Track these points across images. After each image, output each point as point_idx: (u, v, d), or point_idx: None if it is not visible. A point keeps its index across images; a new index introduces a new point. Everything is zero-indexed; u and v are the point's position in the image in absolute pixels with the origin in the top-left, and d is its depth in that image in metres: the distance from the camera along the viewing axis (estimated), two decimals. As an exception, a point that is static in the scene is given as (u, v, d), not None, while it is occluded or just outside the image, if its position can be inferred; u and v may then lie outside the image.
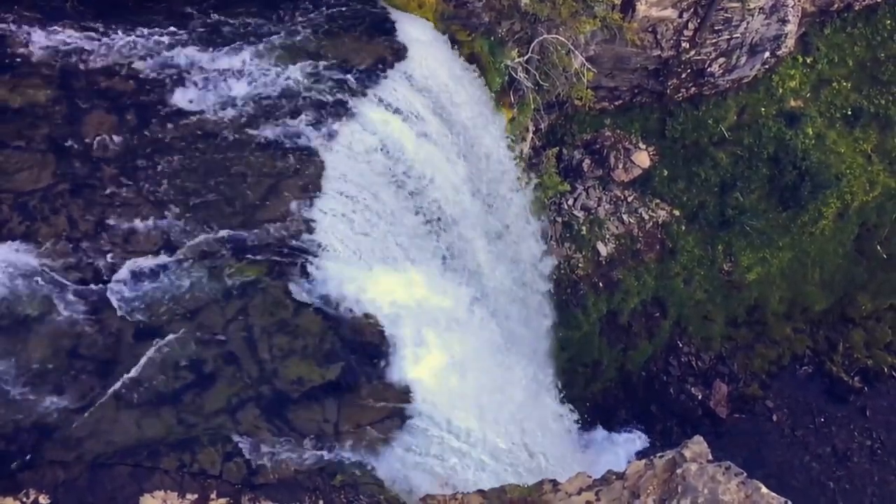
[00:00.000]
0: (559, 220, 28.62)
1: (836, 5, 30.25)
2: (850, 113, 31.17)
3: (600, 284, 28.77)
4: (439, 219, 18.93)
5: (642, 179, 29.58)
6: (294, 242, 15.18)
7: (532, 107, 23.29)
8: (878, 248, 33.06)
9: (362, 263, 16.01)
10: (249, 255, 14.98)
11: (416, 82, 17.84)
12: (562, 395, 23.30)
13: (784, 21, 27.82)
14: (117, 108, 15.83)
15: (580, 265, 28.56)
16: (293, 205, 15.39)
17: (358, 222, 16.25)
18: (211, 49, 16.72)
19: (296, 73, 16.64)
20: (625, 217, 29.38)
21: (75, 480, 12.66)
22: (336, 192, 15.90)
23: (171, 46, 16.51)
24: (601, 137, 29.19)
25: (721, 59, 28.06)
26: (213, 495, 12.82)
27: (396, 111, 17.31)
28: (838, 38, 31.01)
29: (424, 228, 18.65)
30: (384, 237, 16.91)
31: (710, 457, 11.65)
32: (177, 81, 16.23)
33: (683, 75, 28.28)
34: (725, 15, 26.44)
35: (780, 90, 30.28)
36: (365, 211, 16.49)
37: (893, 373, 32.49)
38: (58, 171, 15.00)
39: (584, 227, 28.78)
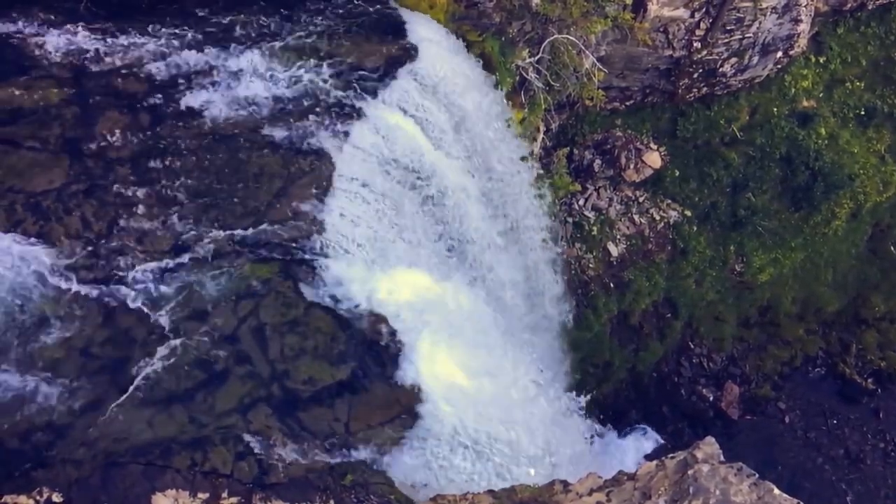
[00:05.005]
0: (570, 220, 28.57)
1: (849, 4, 30.07)
2: (863, 113, 30.98)
3: (611, 285, 28.70)
4: (449, 219, 18.95)
5: (653, 180, 29.49)
6: (305, 242, 15.23)
7: (543, 107, 23.27)
8: (892, 248, 32.87)
9: (373, 263, 16.04)
10: (261, 255, 15.04)
11: (426, 83, 17.86)
12: (573, 395, 23.26)
13: (796, 20, 27.69)
14: (130, 109, 15.91)
15: (591, 265, 28.50)
16: (304, 205, 15.44)
17: (369, 223, 16.28)
18: (223, 50, 16.79)
19: (307, 74, 16.69)
20: (636, 217, 29.30)
21: (88, 479, 12.74)
22: (347, 193, 15.95)
23: (183, 47, 16.59)
24: (612, 137, 29.12)
25: (733, 59, 27.95)
26: (224, 494, 12.87)
27: (407, 112, 17.33)
28: (851, 38, 30.84)
29: (435, 229, 18.67)
30: (395, 238, 16.93)
31: (722, 458, 11.62)
32: (189, 82, 16.31)
33: (695, 75, 28.18)
34: (737, 14, 26.33)
35: (793, 90, 30.12)
36: (375, 212, 16.52)
37: (907, 374, 32.30)
38: (71, 171, 15.10)
39: (594, 228, 28.71)
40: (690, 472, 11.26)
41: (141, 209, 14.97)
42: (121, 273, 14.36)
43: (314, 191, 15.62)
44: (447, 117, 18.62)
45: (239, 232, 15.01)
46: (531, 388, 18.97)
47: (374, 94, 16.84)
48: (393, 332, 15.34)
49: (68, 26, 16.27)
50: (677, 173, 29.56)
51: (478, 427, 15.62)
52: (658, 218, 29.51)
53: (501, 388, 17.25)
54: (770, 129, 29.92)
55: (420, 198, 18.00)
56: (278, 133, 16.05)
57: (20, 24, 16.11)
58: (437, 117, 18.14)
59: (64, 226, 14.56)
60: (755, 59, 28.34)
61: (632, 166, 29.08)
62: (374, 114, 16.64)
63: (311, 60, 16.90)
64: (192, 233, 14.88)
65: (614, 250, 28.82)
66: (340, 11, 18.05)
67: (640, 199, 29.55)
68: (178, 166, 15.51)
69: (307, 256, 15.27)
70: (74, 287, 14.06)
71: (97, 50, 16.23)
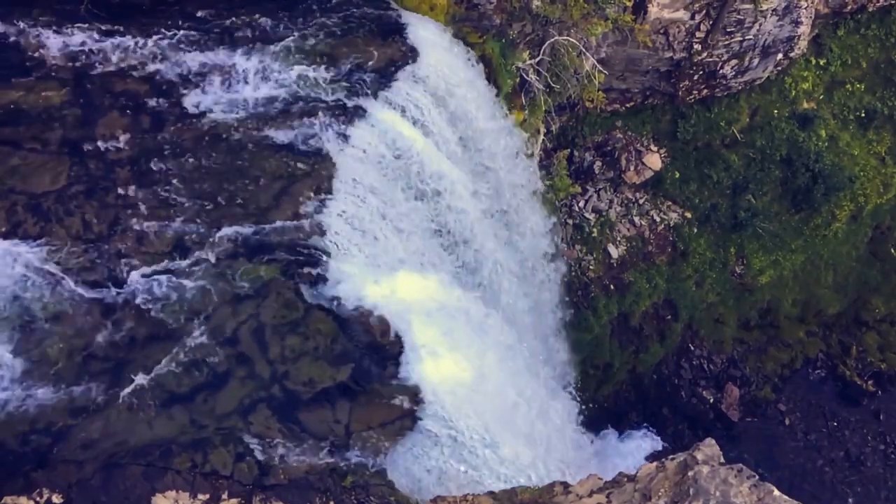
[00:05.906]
0: (570, 221, 28.59)
1: (849, 7, 30.10)
2: (863, 115, 31.02)
3: (611, 286, 28.71)
4: (449, 220, 18.95)
5: (654, 181, 29.51)
6: (306, 244, 15.23)
7: (543, 109, 23.29)
8: (892, 250, 32.89)
9: (373, 265, 16.04)
10: (262, 257, 15.04)
11: (427, 84, 17.87)
12: (574, 397, 23.26)
13: (797, 22, 27.71)
14: (131, 110, 15.93)
15: (591, 267, 28.51)
16: (305, 207, 15.44)
17: (369, 224, 16.28)
18: (224, 51, 16.80)
19: (308, 76, 16.70)
20: (636, 219, 29.31)
21: (88, 480, 12.74)
22: (348, 195, 15.94)
23: (184, 49, 16.60)
24: (612, 139, 29.13)
25: (733, 61, 27.96)
26: (224, 495, 12.87)
27: (408, 113, 17.34)
28: (852, 40, 30.87)
29: (435, 230, 18.68)
30: (395, 239, 16.93)
31: (723, 459, 11.60)
32: (190, 83, 16.33)
33: (695, 77, 28.19)
34: (738, 17, 26.35)
35: (793, 92, 30.15)
36: (376, 213, 16.52)
37: (907, 376, 32.33)
38: (72, 172, 15.11)
39: (595, 229, 28.73)
40: (691, 473, 11.25)
41: (142, 210, 14.98)
42: (121, 275, 14.37)
43: (315, 192, 15.63)
44: (446, 117, 18.63)
45: (240, 233, 15.01)
46: (532, 391, 18.96)
47: (375, 95, 16.86)
48: (393, 334, 15.33)
49: (70, 28, 16.29)
50: (677, 175, 29.58)
51: (477, 428, 15.59)
52: (658, 220, 29.51)
53: (502, 391, 17.22)
54: (770, 130, 29.95)
55: (420, 198, 18.01)
56: (279, 134, 16.05)
57: (22, 25, 16.12)
58: (437, 117, 18.15)
59: (64, 227, 14.56)
60: (755, 60, 28.36)
61: (632, 168, 29.10)
62: (375, 115, 16.65)
63: (312, 62, 16.92)
64: (193, 234, 14.88)
65: (614, 252, 28.83)
66: (341, 13, 18.06)
67: (641, 201, 29.56)
68: (178, 168, 15.51)
69: (308, 258, 15.27)
70: (75, 289, 14.06)
71: (98, 51, 16.25)
